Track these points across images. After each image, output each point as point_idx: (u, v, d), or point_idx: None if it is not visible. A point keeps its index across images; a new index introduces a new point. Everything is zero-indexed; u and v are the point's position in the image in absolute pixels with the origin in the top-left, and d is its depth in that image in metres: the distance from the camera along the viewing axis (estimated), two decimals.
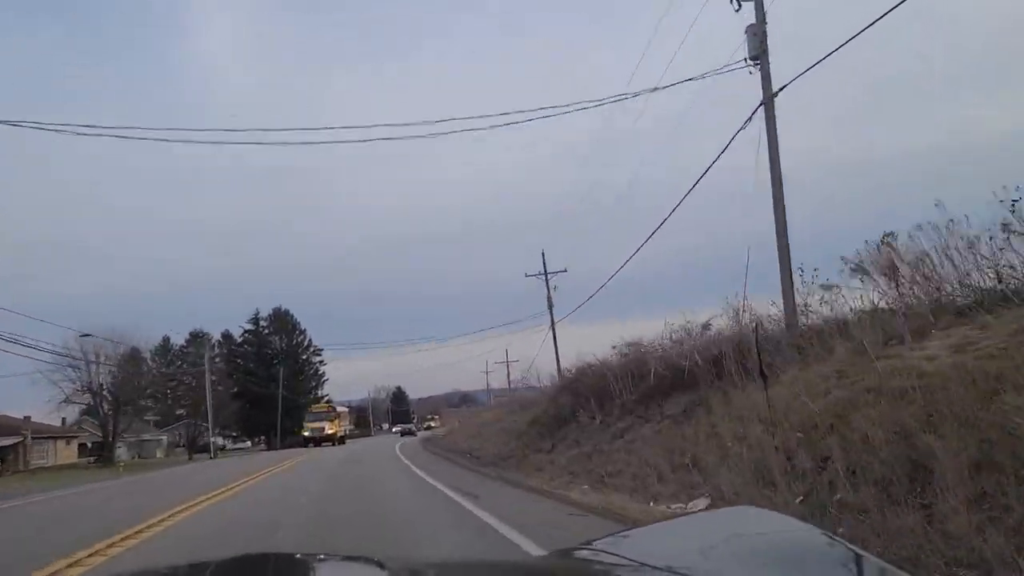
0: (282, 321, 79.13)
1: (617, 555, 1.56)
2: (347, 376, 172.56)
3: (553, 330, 41.06)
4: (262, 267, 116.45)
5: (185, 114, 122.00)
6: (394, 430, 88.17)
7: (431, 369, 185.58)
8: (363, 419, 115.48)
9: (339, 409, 65.24)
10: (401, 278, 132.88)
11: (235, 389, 71.71)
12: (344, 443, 55.54)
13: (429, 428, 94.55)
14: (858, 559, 1.39)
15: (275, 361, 75.05)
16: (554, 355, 37.39)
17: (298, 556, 2.46)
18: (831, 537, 1.52)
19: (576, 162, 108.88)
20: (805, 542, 1.51)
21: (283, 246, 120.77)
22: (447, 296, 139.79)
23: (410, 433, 67.93)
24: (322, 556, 2.02)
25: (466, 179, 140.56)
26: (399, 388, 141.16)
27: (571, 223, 74.26)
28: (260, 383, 70.76)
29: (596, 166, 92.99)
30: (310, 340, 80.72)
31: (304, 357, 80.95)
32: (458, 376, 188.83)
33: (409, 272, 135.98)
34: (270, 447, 69.51)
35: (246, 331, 78.01)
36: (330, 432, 54.90)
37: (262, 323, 78.96)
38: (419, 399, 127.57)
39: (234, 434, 78.11)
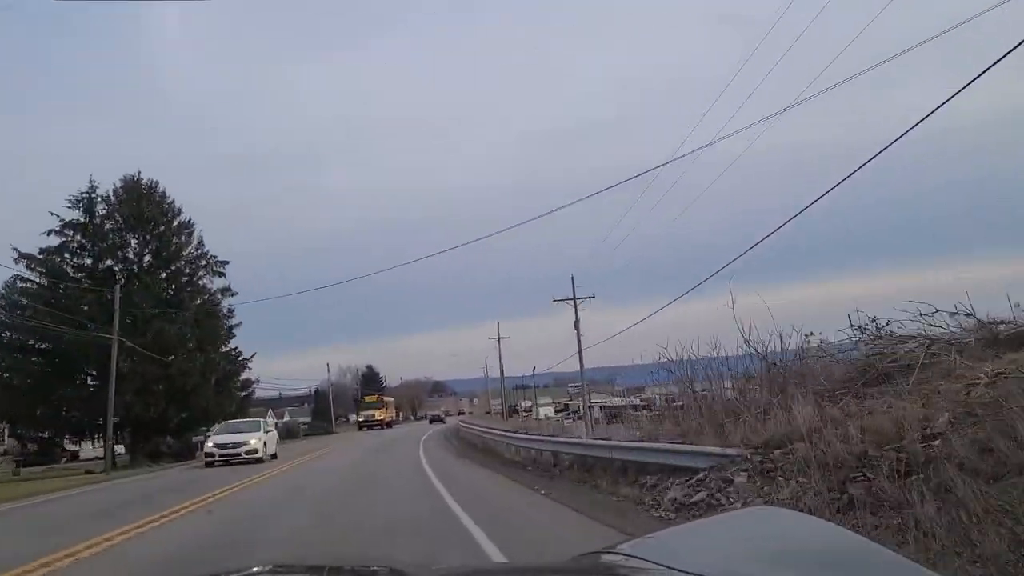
0: (140, 202, 36.74)
1: (643, 559, 1.46)
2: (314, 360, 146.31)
3: None
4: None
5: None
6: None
7: (404, 357, 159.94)
8: (323, 408, 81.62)
9: None
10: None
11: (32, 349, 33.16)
12: None
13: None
14: (892, 561, 1.32)
15: (121, 280, 33.92)
16: None
17: (317, 565, 2.42)
18: (861, 537, 1.46)
19: None
20: (836, 544, 1.43)
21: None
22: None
23: (439, 420, 63.39)
24: (339, 566, 2.27)
25: None
26: (369, 367, 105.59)
27: None
28: (104, 328, 30.55)
29: None
30: (200, 242, 38.77)
31: (189, 273, 38.53)
32: (428, 365, 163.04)
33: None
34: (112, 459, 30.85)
35: (66, 224, 35.99)
36: None
37: (100, 210, 36.82)
38: (390, 388, 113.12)
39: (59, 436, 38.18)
